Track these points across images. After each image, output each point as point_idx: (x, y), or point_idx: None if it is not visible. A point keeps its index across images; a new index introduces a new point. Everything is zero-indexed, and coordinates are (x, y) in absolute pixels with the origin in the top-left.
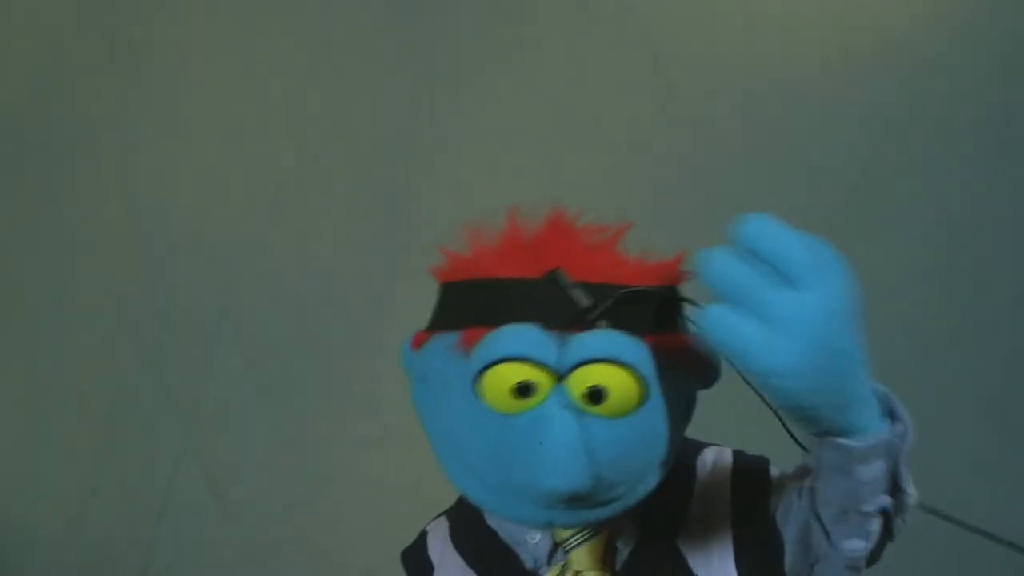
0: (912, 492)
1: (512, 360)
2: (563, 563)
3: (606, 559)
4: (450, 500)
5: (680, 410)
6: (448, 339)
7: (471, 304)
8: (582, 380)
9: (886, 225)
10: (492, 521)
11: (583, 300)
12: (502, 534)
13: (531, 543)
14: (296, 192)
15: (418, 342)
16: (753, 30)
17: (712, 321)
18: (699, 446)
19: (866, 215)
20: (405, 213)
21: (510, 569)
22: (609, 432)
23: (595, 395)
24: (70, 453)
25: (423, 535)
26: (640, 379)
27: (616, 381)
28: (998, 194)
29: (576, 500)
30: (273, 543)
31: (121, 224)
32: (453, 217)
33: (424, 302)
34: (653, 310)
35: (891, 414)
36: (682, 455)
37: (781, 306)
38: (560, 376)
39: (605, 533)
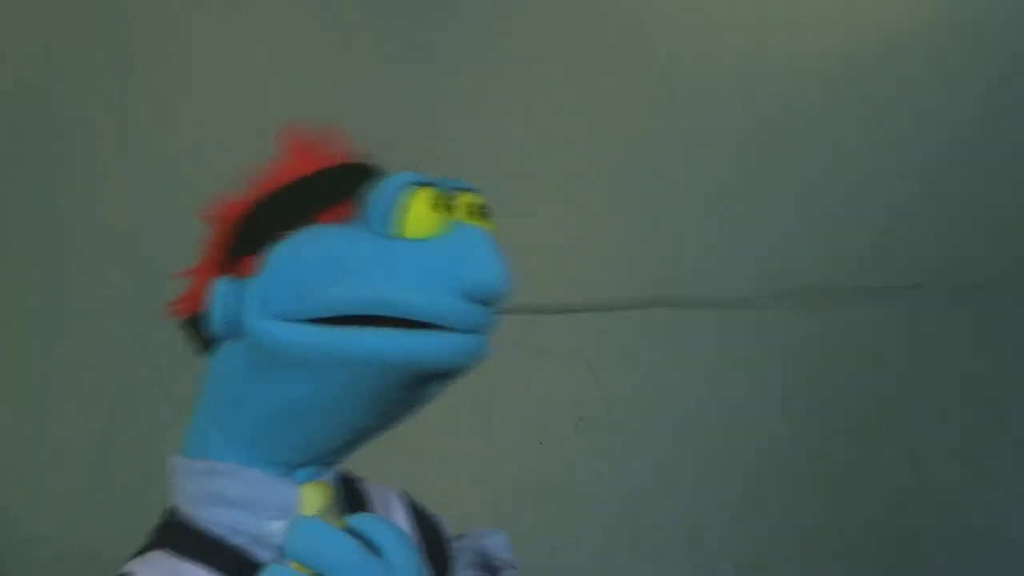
0: None
1: (421, 184)
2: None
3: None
4: (459, 496)
5: None
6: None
7: (315, 194)
8: (469, 200)
9: (888, 225)
10: (218, 529)
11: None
12: (236, 539)
13: (273, 537)
14: None
15: (246, 270)
16: (756, 31)
17: None
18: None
19: (868, 215)
20: None
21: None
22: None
23: (485, 210)
24: (70, 453)
25: None
26: None
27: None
28: (1002, 195)
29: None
30: None
31: (121, 224)
32: None
33: None
34: None
35: None
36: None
37: None
38: (450, 200)
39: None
